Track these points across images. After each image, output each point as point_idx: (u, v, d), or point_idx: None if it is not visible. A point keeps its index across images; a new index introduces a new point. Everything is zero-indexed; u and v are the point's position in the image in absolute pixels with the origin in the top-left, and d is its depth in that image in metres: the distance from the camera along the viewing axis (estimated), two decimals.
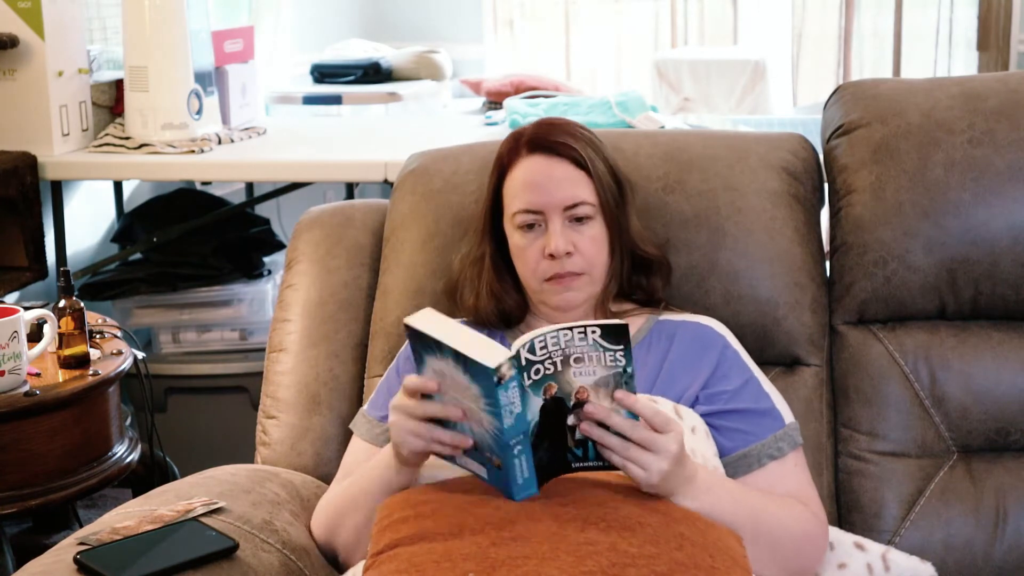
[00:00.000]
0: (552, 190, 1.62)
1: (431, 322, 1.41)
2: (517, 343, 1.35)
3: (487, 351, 1.35)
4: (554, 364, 1.36)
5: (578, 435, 1.39)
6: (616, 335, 1.35)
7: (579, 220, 1.63)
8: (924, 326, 1.83)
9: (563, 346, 1.35)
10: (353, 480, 1.60)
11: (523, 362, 1.34)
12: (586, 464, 1.42)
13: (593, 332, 1.34)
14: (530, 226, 1.64)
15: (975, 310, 1.82)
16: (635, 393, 1.38)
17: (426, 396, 1.42)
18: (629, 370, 1.37)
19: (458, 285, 1.74)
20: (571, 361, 1.36)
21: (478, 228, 1.73)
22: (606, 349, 1.35)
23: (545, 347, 1.35)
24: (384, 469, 1.52)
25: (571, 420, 1.39)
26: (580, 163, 1.63)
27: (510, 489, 1.40)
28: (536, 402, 1.36)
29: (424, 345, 1.40)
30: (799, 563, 1.55)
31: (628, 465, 1.39)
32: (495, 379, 1.33)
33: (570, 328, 1.34)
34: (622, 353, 1.36)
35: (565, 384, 1.37)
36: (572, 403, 1.38)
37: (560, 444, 1.40)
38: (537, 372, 1.35)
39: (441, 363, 1.38)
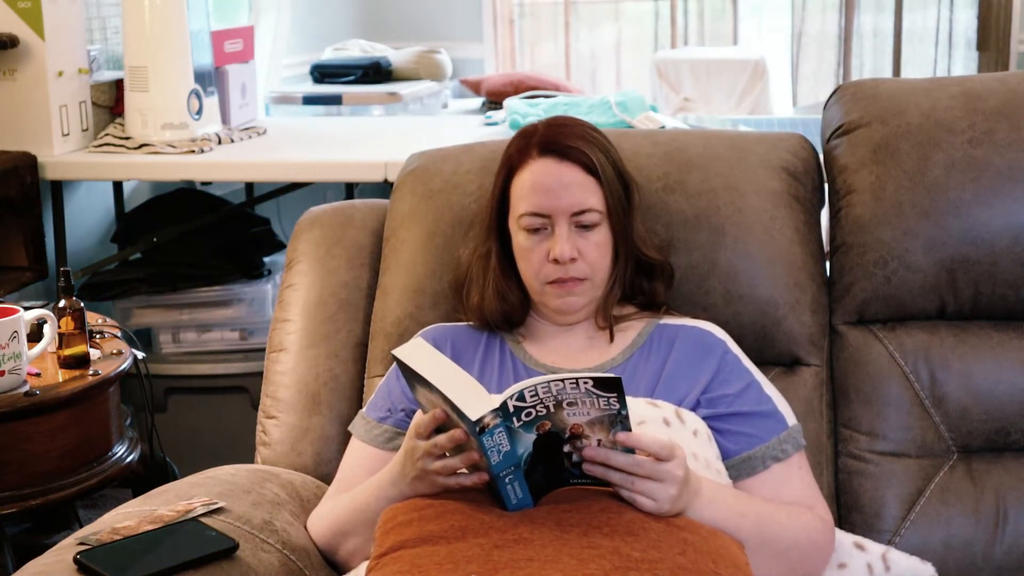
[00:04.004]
0: (561, 195, 1.60)
1: (420, 357, 1.40)
2: (505, 393, 1.33)
3: (472, 398, 1.33)
4: (546, 407, 1.34)
5: (575, 458, 1.39)
6: (609, 386, 1.32)
7: (585, 226, 1.61)
8: (924, 326, 1.83)
9: (555, 393, 1.33)
10: (355, 498, 1.58)
11: (511, 409, 1.33)
12: (583, 481, 1.41)
13: (585, 383, 1.32)
14: (536, 229, 1.62)
15: (975, 310, 1.82)
16: (630, 431, 1.36)
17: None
18: (624, 412, 1.35)
19: (465, 281, 1.73)
20: (564, 405, 1.34)
21: (483, 225, 1.72)
22: (599, 396, 1.33)
23: (536, 395, 1.33)
24: (390, 488, 1.51)
25: (567, 448, 1.38)
26: (590, 168, 1.61)
27: (504, 506, 1.40)
28: (529, 437, 1.35)
29: (414, 377, 1.40)
30: (805, 570, 1.55)
31: (637, 498, 1.38)
32: (477, 429, 1.33)
33: (562, 380, 1.32)
34: (615, 399, 1.33)
35: (559, 421, 1.35)
36: (567, 436, 1.36)
37: (557, 465, 1.39)
38: (528, 415, 1.34)
39: (430, 395, 1.39)
